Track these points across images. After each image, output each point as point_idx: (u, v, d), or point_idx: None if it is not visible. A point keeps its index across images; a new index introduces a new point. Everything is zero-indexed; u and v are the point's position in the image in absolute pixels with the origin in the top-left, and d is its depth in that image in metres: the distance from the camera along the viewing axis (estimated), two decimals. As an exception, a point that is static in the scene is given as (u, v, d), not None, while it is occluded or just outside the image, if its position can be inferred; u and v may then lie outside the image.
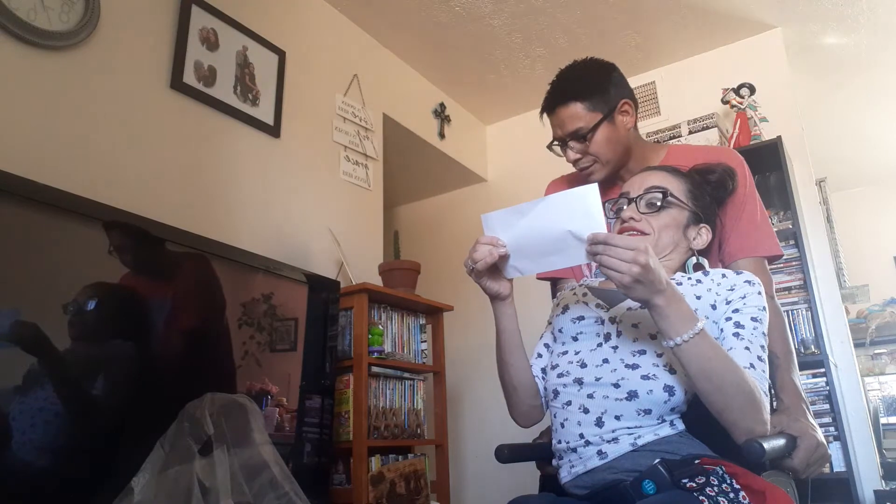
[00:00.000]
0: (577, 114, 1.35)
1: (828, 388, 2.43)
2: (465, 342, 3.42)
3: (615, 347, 1.09)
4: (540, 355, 1.25)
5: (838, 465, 2.36)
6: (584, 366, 1.10)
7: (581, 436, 1.05)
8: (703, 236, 1.21)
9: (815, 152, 3.19)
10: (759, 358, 1.04)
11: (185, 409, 1.45)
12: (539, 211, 1.00)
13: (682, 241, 1.19)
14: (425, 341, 2.54)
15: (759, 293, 1.09)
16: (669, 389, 1.01)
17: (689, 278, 1.14)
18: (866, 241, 4.60)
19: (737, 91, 2.87)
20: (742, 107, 2.85)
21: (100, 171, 1.79)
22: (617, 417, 1.03)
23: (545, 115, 1.42)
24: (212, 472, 1.36)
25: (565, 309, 1.22)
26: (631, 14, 2.93)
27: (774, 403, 1.22)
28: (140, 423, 1.45)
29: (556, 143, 1.43)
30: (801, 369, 1.29)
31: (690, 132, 2.85)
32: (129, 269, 1.53)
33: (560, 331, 1.21)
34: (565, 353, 1.15)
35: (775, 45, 3.07)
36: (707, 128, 2.82)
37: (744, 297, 1.08)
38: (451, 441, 2.51)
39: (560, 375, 1.12)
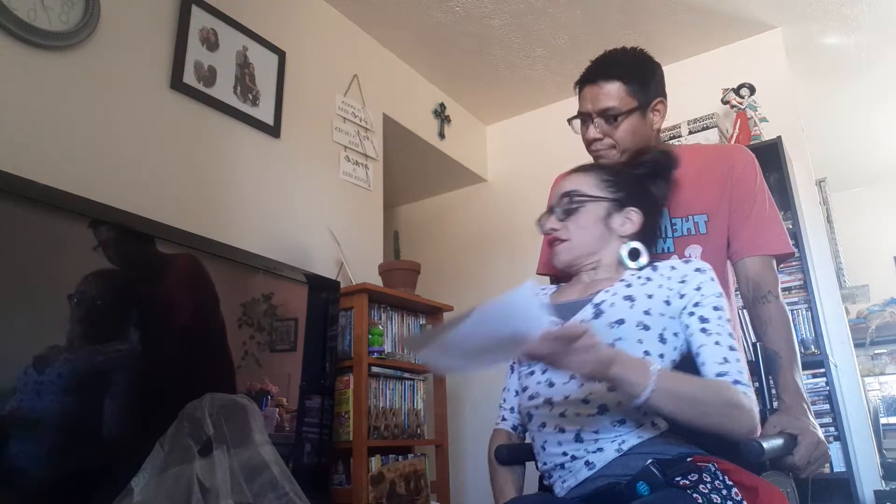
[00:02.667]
0: (615, 93, 1.32)
1: (828, 388, 2.43)
2: (465, 342, 3.41)
3: None
4: (506, 401, 1.27)
5: (838, 465, 2.36)
6: (551, 384, 1.08)
7: (565, 453, 1.04)
8: (632, 219, 1.18)
9: (815, 152, 3.19)
10: (731, 348, 1.02)
11: (185, 409, 1.45)
12: (473, 326, 0.82)
13: (608, 233, 1.18)
14: (425, 341, 2.53)
15: (712, 279, 1.08)
16: None
17: (639, 277, 1.12)
18: (866, 241, 4.60)
19: (737, 91, 2.87)
20: (742, 107, 2.85)
21: (100, 170, 1.79)
22: (595, 431, 1.02)
23: (582, 85, 1.38)
24: (212, 473, 1.36)
25: None
26: (631, 14, 2.93)
27: (776, 403, 1.22)
28: (137, 423, 1.45)
29: (576, 117, 1.40)
30: (801, 369, 1.28)
31: (690, 132, 2.85)
32: (126, 269, 1.53)
33: None
34: (532, 372, 1.13)
35: (775, 45, 3.07)
36: (707, 128, 2.82)
37: (699, 287, 1.07)
38: (451, 441, 2.51)
39: (531, 398, 1.10)
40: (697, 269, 1.08)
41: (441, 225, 3.92)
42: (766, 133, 2.81)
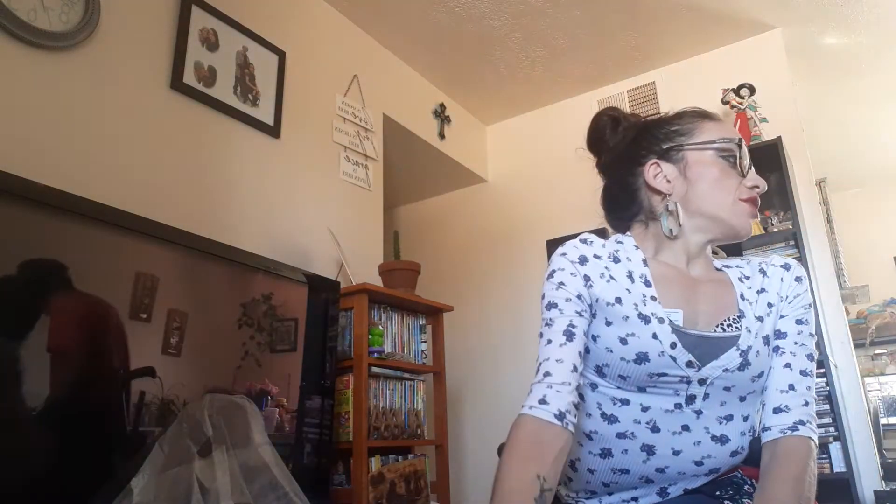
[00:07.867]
0: None
1: (828, 388, 2.43)
2: (465, 342, 3.42)
3: (699, 412, 0.89)
4: (552, 375, 0.86)
5: (838, 466, 2.36)
6: (656, 430, 0.88)
7: (634, 499, 0.92)
8: None
9: (815, 152, 3.19)
10: (803, 372, 0.91)
11: (185, 409, 1.45)
12: None
13: None
14: (425, 342, 2.54)
15: (807, 290, 0.96)
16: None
17: (751, 288, 0.97)
18: (866, 241, 4.59)
19: (737, 91, 2.87)
20: (742, 107, 2.85)
21: (100, 171, 1.78)
22: (685, 489, 0.91)
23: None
24: (211, 473, 1.36)
25: (641, 359, 0.87)
26: (631, 14, 2.93)
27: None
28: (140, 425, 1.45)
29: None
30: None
31: (690, 132, 2.85)
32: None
33: (620, 375, 0.90)
34: (626, 402, 0.90)
35: (775, 45, 3.07)
36: (707, 128, 2.82)
37: (791, 299, 0.95)
38: (451, 441, 2.51)
39: (621, 436, 0.89)
40: (797, 279, 0.96)
41: (441, 225, 3.92)
42: (766, 133, 2.81)
